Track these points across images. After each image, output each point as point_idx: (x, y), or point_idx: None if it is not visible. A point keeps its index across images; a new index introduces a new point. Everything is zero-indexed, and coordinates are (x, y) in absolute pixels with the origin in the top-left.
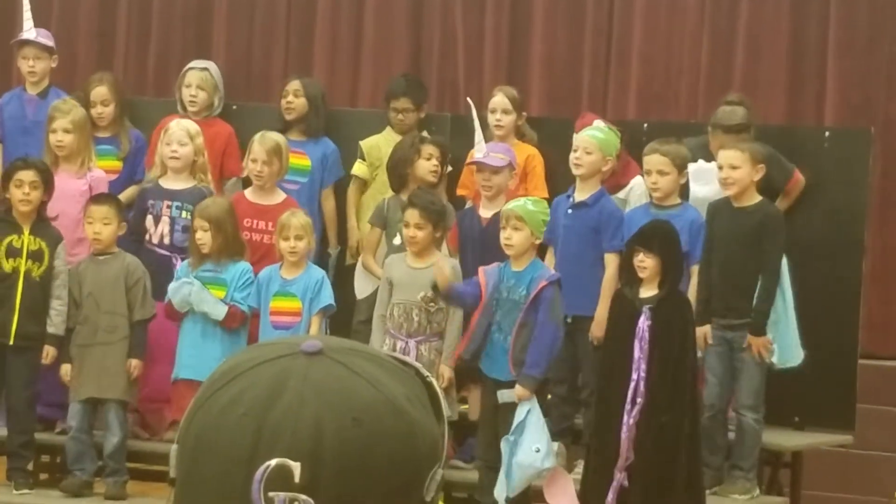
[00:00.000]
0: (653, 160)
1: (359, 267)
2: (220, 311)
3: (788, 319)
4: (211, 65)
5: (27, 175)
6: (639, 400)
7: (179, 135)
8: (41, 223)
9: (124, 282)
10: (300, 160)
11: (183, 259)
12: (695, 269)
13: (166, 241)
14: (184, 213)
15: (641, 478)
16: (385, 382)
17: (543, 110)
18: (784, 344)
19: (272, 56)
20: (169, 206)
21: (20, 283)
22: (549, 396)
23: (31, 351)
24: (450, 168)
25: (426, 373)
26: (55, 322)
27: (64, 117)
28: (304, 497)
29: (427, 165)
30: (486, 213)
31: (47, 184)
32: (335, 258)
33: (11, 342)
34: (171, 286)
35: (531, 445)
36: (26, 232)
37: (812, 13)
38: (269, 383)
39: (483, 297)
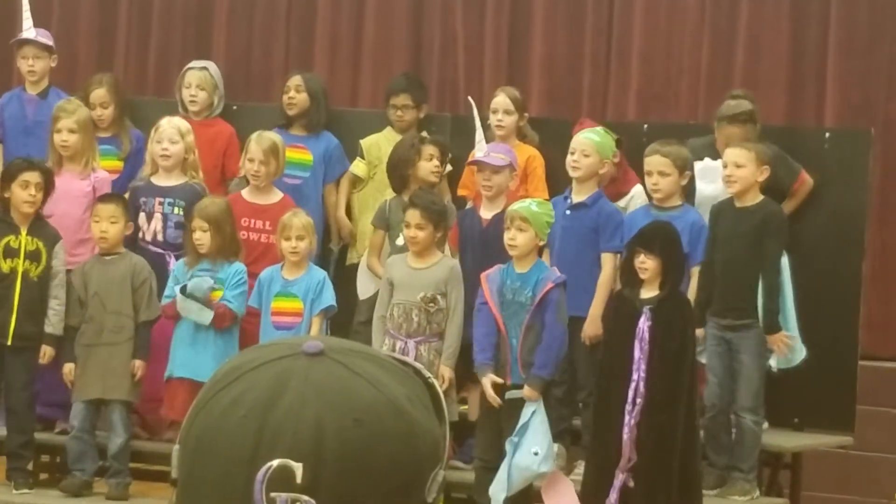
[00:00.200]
0: (654, 161)
1: (362, 267)
2: (205, 317)
3: (788, 317)
4: (210, 64)
5: (33, 176)
6: (639, 400)
7: (170, 132)
8: (38, 223)
9: (131, 282)
10: (302, 155)
11: (177, 257)
12: (695, 270)
13: (159, 237)
14: (176, 210)
15: (644, 478)
16: (386, 383)
17: (543, 110)
18: None
19: (272, 56)
20: (161, 203)
21: (18, 284)
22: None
23: (30, 351)
24: (450, 168)
25: (427, 373)
26: (53, 322)
27: (69, 117)
28: (305, 497)
29: (428, 166)
30: (486, 213)
31: (49, 185)
32: (337, 254)
33: (9, 342)
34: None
35: (530, 448)
36: (24, 232)
37: (812, 13)
38: (270, 384)
39: (491, 304)
